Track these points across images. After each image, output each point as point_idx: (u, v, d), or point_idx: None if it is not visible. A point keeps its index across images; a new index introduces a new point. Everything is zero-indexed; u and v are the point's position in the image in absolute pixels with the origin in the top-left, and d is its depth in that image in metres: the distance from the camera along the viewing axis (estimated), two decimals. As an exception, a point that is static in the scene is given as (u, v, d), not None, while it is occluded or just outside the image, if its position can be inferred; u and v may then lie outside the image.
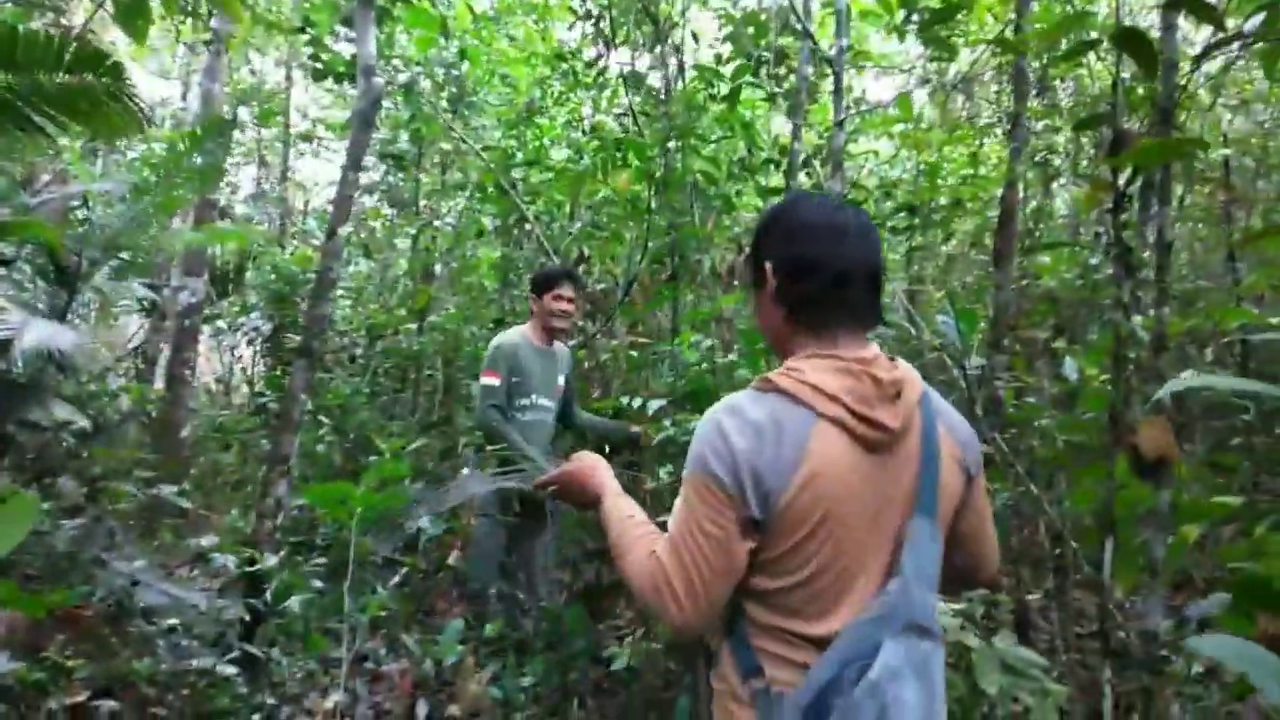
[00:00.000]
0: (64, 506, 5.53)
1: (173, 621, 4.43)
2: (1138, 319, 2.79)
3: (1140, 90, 3.68)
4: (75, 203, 5.53)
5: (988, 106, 7.17)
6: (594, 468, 1.68)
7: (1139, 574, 2.70)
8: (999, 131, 7.08)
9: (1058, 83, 6.57)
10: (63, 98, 3.28)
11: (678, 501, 1.40)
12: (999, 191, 5.03)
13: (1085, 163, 6.47)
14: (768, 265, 1.47)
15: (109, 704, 3.54)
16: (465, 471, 4.14)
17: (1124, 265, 2.58)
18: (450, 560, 4.34)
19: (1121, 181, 2.56)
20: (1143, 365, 2.98)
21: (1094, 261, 4.22)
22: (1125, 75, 3.34)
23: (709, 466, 1.33)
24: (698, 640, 1.49)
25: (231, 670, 3.67)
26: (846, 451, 1.32)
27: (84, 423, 4.81)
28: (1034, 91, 5.46)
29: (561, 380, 4.17)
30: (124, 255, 5.64)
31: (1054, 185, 7.21)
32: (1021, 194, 5.54)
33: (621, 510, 1.54)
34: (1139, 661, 2.44)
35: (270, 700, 3.28)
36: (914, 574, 1.32)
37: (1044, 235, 6.22)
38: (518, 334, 4.15)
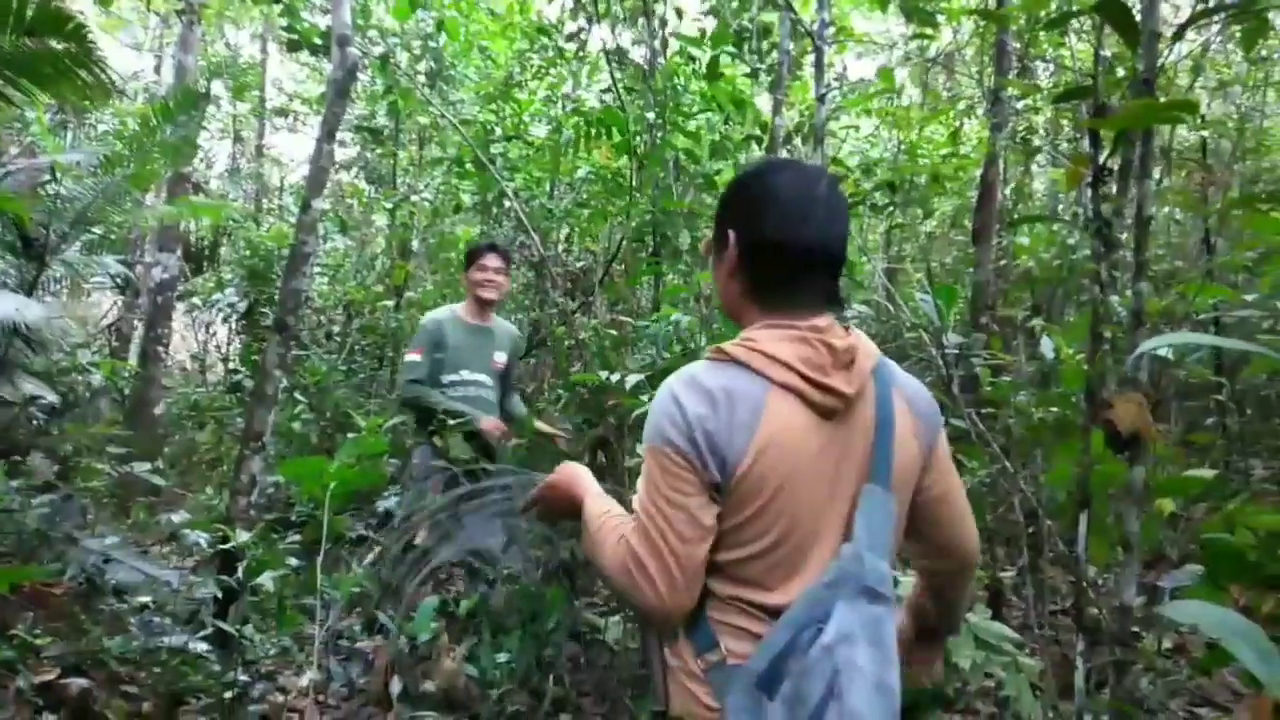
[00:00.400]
0: (34, 484, 5.46)
1: (145, 599, 4.39)
2: (1115, 298, 2.79)
3: (1120, 71, 3.68)
4: (44, 176, 5.42)
5: (969, 85, 7.16)
6: (575, 476, 1.63)
7: (1112, 549, 2.72)
8: (980, 112, 7.08)
9: (1039, 63, 6.57)
10: (25, 61, 3.19)
11: (640, 480, 1.37)
12: (979, 172, 5.03)
13: (1065, 144, 6.49)
14: (730, 235, 1.43)
15: (79, 682, 3.50)
16: (415, 460, 4.10)
17: (1103, 240, 2.58)
18: (417, 540, 4.31)
19: (1102, 157, 2.55)
20: (1119, 342, 2.99)
21: (1072, 241, 4.23)
22: (1107, 54, 3.33)
23: (667, 435, 1.31)
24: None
25: (204, 648, 3.64)
26: (801, 419, 1.31)
27: (54, 399, 4.74)
28: (1015, 70, 5.45)
29: (500, 356, 4.18)
30: (95, 230, 5.56)
31: (1034, 165, 7.23)
32: (1002, 173, 5.54)
33: (599, 508, 1.50)
34: (1111, 636, 2.46)
35: (244, 677, 3.25)
36: (866, 540, 1.31)
37: (1023, 214, 6.23)
38: (447, 310, 4.23)
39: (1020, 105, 5.91)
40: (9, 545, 4.48)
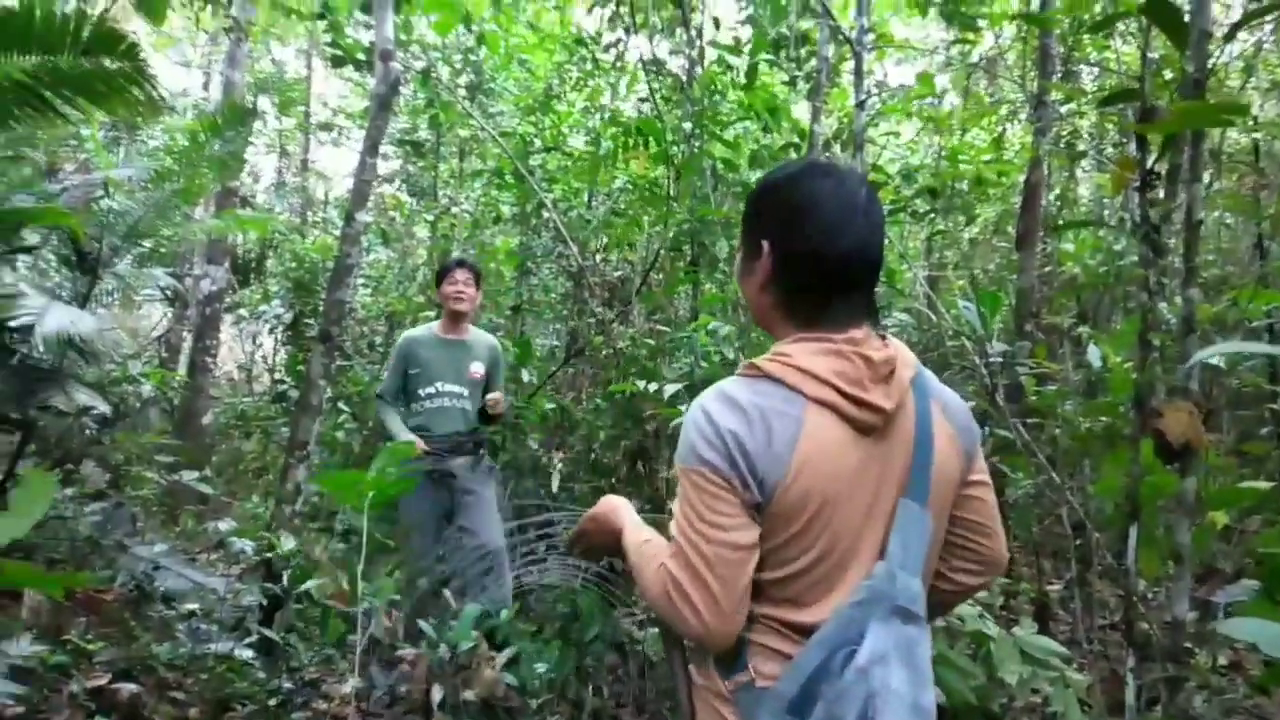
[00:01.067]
0: (86, 492, 5.60)
1: (192, 606, 4.47)
2: (1163, 305, 2.73)
3: (1167, 74, 3.60)
4: (97, 191, 5.56)
5: (1012, 89, 7.07)
6: (613, 508, 1.59)
7: (1163, 563, 2.65)
8: (1022, 117, 6.98)
9: (1083, 66, 6.46)
10: (81, 80, 3.29)
11: (675, 503, 1.33)
12: (1022, 177, 4.96)
13: (1111, 148, 6.37)
14: (764, 244, 1.37)
15: (129, 687, 3.57)
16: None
17: (1151, 245, 2.52)
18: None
19: (1149, 161, 2.50)
20: (1168, 350, 2.92)
21: (1118, 247, 4.14)
22: (1154, 56, 3.27)
23: (702, 454, 1.26)
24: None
25: (249, 655, 3.70)
26: (840, 436, 1.27)
27: (106, 409, 4.84)
28: (1059, 73, 5.37)
29: (477, 367, 4.26)
30: (146, 243, 5.68)
31: (1079, 169, 7.10)
32: (1046, 177, 5.45)
33: (638, 538, 1.47)
34: (1163, 651, 2.39)
35: (287, 685, 3.29)
36: (900, 558, 1.27)
37: (1068, 219, 6.12)
38: (424, 328, 4.43)
39: (1064, 109, 5.82)
40: (62, 552, 4.59)
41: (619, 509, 1.59)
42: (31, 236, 5.28)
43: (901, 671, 1.20)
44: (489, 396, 4.16)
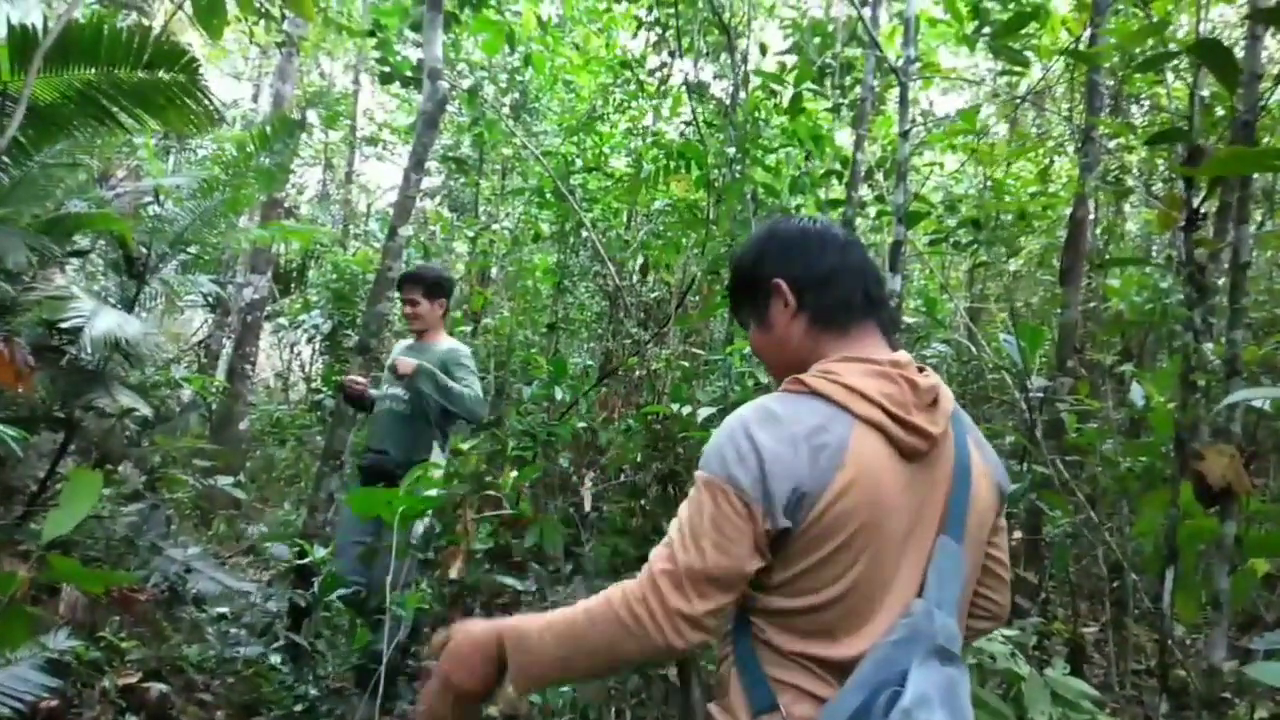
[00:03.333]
0: (124, 493, 5.70)
1: (223, 609, 4.53)
2: (1209, 346, 2.69)
3: (1219, 110, 3.56)
4: (147, 198, 5.69)
5: (1059, 123, 7.01)
6: (464, 629, 1.34)
7: (1201, 608, 2.60)
8: (1069, 149, 6.93)
9: (1133, 103, 6.40)
10: (140, 92, 3.39)
11: (683, 505, 1.25)
12: (1067, 211, 4.91)
13: (1160, 184, 6.29)
14: (779, 281, 1.39)
15: (159, 687, 3.62)
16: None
17: (1196, 286, 2.49)
18: (452, 573, 4.31)
19: (1196, 200, 2.47)
20: (1213, 391, 2.87)
21: (1165, 285, 4.08)
22: (1204, 93, 3.23)
23: (729, 470, 1.21)
24: (688, 659, 1.36)
25: (277, 660, 3.73)
26: (885, 458, 1.23)
27: (147, 411, 4.93)
28: (1107, 109, 5.32)
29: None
30: (192, 250, 5.80)
31: (1126, 205, 7.02)
32: (1092, 212, 5.40)
33: (534, 624, 1.28)
34: (1199, 699, 2.34)
35: (313, 691, 3.31)
36: (936, 595, 1.24)
37: (1114, 255, 6.05)
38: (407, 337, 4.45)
39: (1112, 144, 5.76)
40: (98, 550, 4.67)
41: (473, 623, 1.34)
42: (82, 240, 5.42)
43: (944, 714, 1.15)
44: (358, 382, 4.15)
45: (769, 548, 1.22)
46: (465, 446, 4.71)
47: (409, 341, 4.35)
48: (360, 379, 4.25)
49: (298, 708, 3.28)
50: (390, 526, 3.71)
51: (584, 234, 6.83)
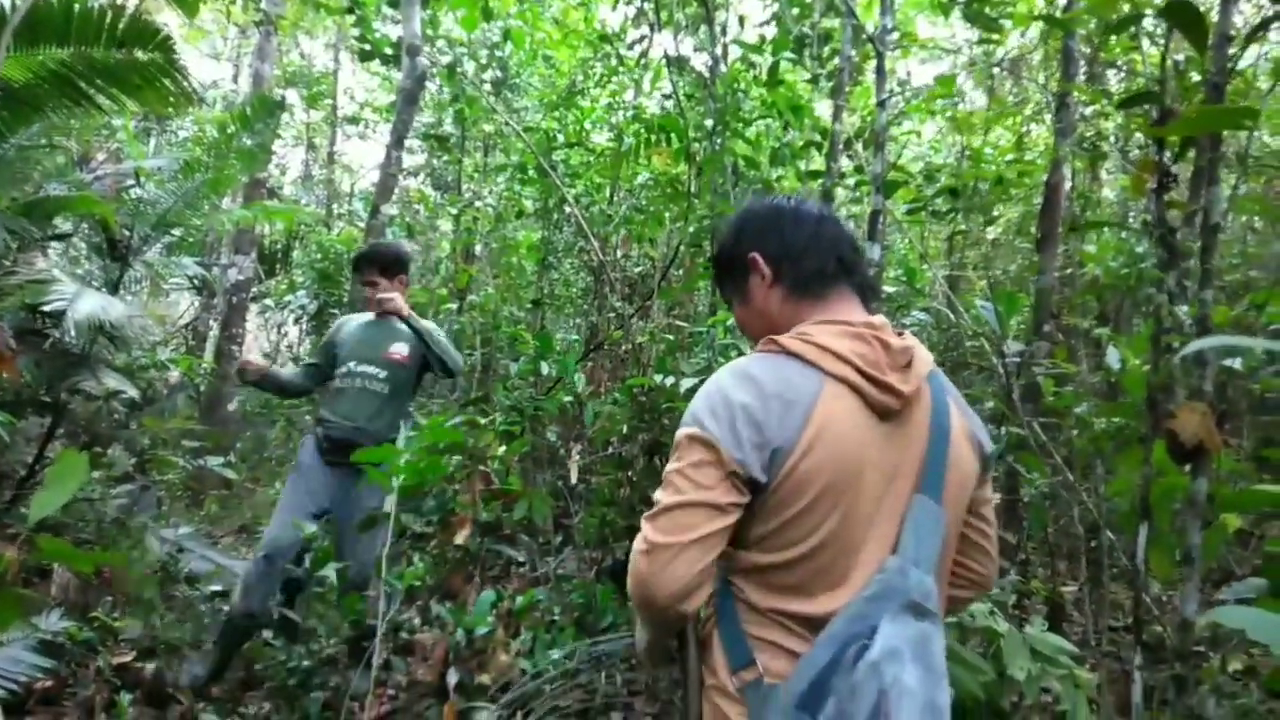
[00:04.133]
0: (114, 475, 5.71)
1: (216, 587, 4.56)
2: (1182, 308, 2.73)
3: (1193, 75, 3.59)
4: (128, 180, 5.66)
5: (1035, 90, 7.03)
6: None
7: (1174, 564, 2.66)
8: (1046, 118, 6.95)
9: (1109, 69, 6.42)
10: (115, 72, 3.37)
11: (668, 466, 1.33)
12: (1044, 177, 4.95)
13: (1136, 150, 6.33)
14: (755, 255, 1.46)
15: (153, 664, 3.66)
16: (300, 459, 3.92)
17: (1168, 247, 2.53)
18: (459, 539, 4.34)
19: (1168, 162, 2.50)
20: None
21: (1140, 249, 4.13)
22: (1178, 57, 3.26)
23: (704, 422, 1.27)
24: (685, 625, 1.40)
25: (269, 635, 3.77)
26: (856, 415, 1.27)
27: (134, 393, 4.94)
28: (1083, 75, 5.34)
29: (399, 348, 3.93)
30: (175, 232, 5.78)
31: (1102, 171, 7.06)
32: (1068, 179, 5.43)
33: None
34: (1173, 652, 2.40)
35: (306, 664, 3.36)
36: (913, 553, 1.27)
37: (1090, 221, 6.10)
38: (356, 314, 4.21)
39: (1088, 110, 5.78)
40: (90, 532, 4.70)
41: None
42: (64, 224, 5.40)
43: (915, 668, 1.18)
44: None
45: (748, 492, 1.27)
46: (453, 421, 4.75)
47: (366, 318, 4.08)
48: (256, 360, 4.03)
49: (291, 681, 3.32)
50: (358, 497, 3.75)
51: (567, 209, 6.82)
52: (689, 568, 1.24)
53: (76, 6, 3.11)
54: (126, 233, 5.30)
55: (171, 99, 3.59)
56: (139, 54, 3.33)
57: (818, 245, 1.43)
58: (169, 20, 8.79)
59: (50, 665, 2.99)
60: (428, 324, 3.94)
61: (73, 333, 4.46)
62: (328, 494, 3.77)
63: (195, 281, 6.63)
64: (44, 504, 2.02)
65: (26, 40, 3.11)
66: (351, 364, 3.90)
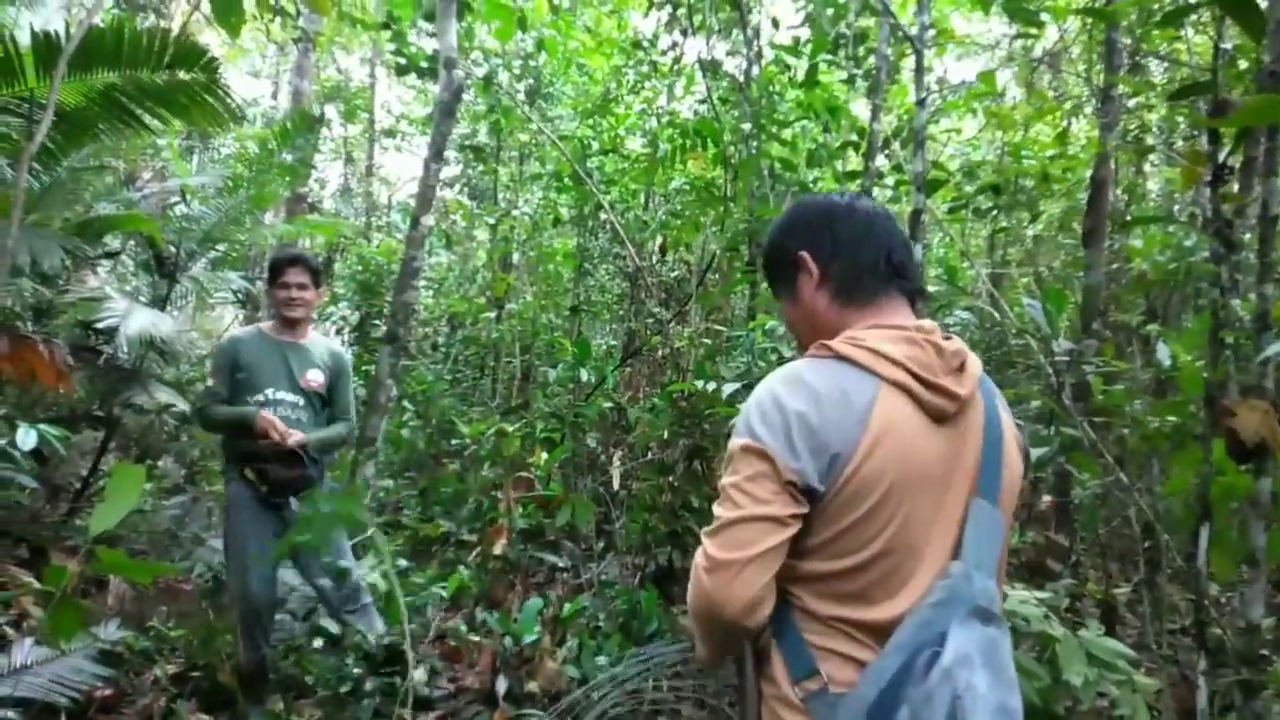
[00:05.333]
0: (165, 487, 5.83)
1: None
2: (1237, 302, 2.67)
3: (1242, 64, 3.51)
4: (174, 198, 5.79)
5: (1076, 83, 6.92)
6: None
7: (1237, 566, 2.59)
8: (1088, 110, 6.83)
9: (1152, 59, 6.30)
10: (163, 93, 3.45)
11: (724, 478, 1.31)
12: (1088, 172, 4.86)
13: (1181, 141, 6.20)
14: (804, 255, 1.42)
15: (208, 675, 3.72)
16: (229, 505, 3.57)
17: (1223, 241, 2.47)
18: (496, 549, 4.36)
19: (1221, 154, 2.45)
20: (1243, 348, 2.85)
21: (1189, 243, 4.04)
22: (1227, 45, 3.19)
23: (757, 432, 1.25)
24: (751, 639, 1.37)
25: (319, 643, 3.82)
26: (913, 419, 1.26)
27: (184, 406, 5.04)
28: (1126, 66, 5.24)
29: (314, 375, 3.61)
30: (220, 247, 5.90)
31: (1147, 164, 6.93)
32: (1113, 173, 5.33)
33: None
34: (1237, 656, 2.34)
35: (356, 671, 3.39)
36: (974, 557, 1.25)
37: (1137, 215, 5.98)
38: (252, 329, 3.73)
39: (1132, 103, 5.68)
40: (143, 543, 4.80)
41: None
42: (113, 242, 5.53)
43: (986, 673, 1.17)
44: (294, 436, 3.40)
45: (806, 502, 1.25)
46: (493, 430, 4.79)
47: (264, 327, 3.67)
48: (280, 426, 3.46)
49: (342, 689, 3.36)
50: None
51: (603, 216, 6.85)
52: (753, 583, 1.23)
53: (126, 31, 3.19)
54: (173, 249, 5.42)
55: (216, 117, 3.66)
56: (185, 75, 3.41)
57: (869, 246, 1.40)
58: (211, 40, 8.98)
59: (110, 674, 3.06)
60: (330, 438, 3.66)
61: (125, 349, 4.57)
62: (280, 529, 3.48)
63: (239, 295, 6.75)
64: (104, 517, 2.06)
65: (80, 65, 3.19)
66: (269, 391, 3.49)
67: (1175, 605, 4.09)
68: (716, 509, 1.29)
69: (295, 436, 3.42)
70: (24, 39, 3.26)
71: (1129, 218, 5.27)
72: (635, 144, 7.23)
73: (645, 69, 7.00)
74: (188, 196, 5.74)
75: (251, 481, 3.45)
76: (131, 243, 5.56)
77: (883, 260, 1.40)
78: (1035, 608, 2.70)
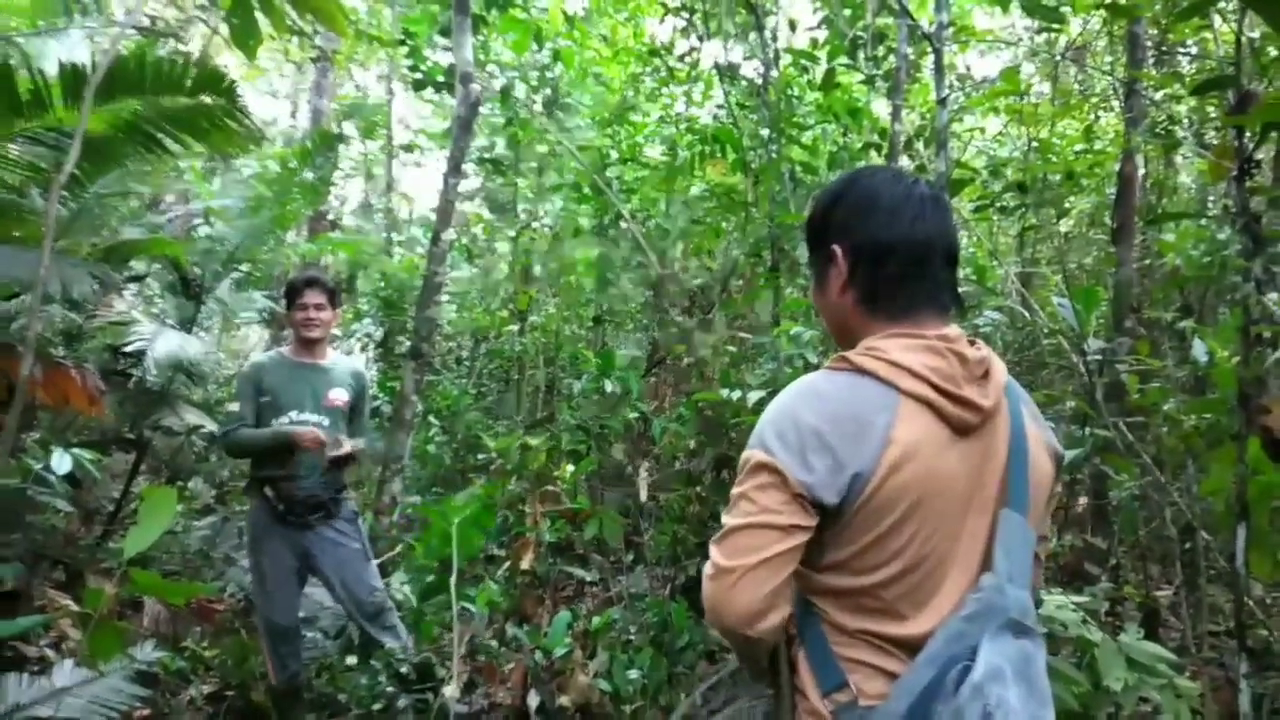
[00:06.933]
0: (195, 508, 5.89)
1: (300, 614, 4.64)
2: (1272, 295, 2.61)
3: (1272, 51, 3.44)
4: (197, 220, 5.86)
5: (1101, 78, 6.82)
6: None
7: (1277, 566, 2.53)
8: (1115, 105, 6.74)
9: (1178, 52, 6.21)
10: (185, 118, 3.49)
11: (734, 488, 1.29)
12: (1116, 167, 4.78)
13: (1212, 134, 6.10)
14: (837, 249, 1.35)
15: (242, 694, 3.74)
16: (251, 529, 3.68)
17: (1252, 235, 2.41)
18: (524, 564, 4.35)
19: (1248, 148, 2.40)
20: (1278, 343, 2.79)
21: (1222, 237, 3.97)
22: (1253, 35, 3.13)
23: (770, 447, 1.23)
24: (762, 648, 1.34)
25: (352, 660, 3.83)
26: (935, 433, 1.23)
27: (212, 427, 5.09)
28: (1151, 59, 5.17)
29: (338, 394, 3.70)
30: (244, 268, 5.96)
31: (1176, 157, 6.83)
32: (1141, 167, 5.26)
33: None
34: (1283, 658, 2.29)
35: (390, 689, 3.39)
36: (1006, 570, 1.22)
37: (1167, 210, 5.89)
38: (274, 353, 3.85)
39: (1159, 95, 5.59)
40: (175, 564, 4.84)
41: None
42: (139, 265, 5.60)
43: (1019, 688, 1.14)
44: (344, 443, 3.55)
45: (816, 514, 1.23)
46: (519, 443, 4.79)
47: (285, 351, 3.79)
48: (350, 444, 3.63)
49: (375, 706, 3.36)
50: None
51: (623, 225, 6.84)
52: (756, 590, 1.21)
53: (149, 59, 3.23)
54: (198, 271, 5.48)
55: (237, 140, 3.70)
56: (207, 99, 3.45)
57: (905, 247, 1.31)
58: (229, 61, 9.09)
59: (147, 694, 3.08)
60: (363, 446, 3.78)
61: (153, 371, 4.62)
62: (303, 551, 3.57)
63: (264, 315, 6.81)
64: (138, 539, 2.08)
65: (105, 94, 3.24)
66: (293, 413, 3.58)
67: (1218, 607, 4.01)
68: (724, 517, 1.28)
69: (344, 445, 3.53)
70: (51, 69, 3.31)
71: (1159, 213, 5.18)
72: (654, 152, 7.22)
73: (662, 76, 7.00)
74: (211, 218, 5.81)
75: (271, 501, 3.51)
76: (157, 266, 5.62)
77: (918, 264, 1.32)
78: (1073, 612, 2.66)
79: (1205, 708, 2.84)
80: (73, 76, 3.17)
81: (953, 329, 1.31)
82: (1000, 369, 1.33)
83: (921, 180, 1.38)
